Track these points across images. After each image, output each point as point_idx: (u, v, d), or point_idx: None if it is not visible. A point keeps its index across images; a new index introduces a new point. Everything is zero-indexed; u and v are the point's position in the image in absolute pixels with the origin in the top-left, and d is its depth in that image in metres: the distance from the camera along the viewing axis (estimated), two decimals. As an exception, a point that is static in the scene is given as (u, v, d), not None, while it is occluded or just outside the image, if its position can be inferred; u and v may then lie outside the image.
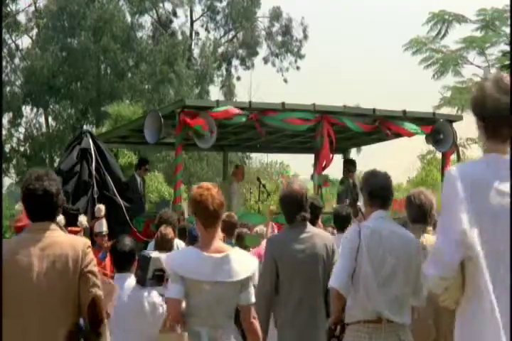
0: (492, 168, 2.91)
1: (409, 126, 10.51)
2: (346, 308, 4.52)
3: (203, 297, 3.99)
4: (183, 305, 4.04)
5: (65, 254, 3.59)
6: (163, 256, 4.95)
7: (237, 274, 4.06)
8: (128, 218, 9.74)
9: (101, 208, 8.43)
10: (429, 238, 4.80)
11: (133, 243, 5.26)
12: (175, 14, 35.02)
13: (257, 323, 4.18)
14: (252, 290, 4.18)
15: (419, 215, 4.94)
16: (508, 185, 2.86)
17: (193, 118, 9.39)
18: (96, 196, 9.69)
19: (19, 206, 7.91)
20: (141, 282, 4.95)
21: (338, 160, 12.71)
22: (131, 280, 5.08)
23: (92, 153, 9.98)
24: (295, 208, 5.23)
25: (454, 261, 2.87)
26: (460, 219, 2.85)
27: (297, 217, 5.25)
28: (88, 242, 3.80)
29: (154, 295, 4.96)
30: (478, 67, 23.90)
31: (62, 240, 3.66)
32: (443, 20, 23.65)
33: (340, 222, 7.37)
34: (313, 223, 6.26)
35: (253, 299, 4.17)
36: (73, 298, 3.60)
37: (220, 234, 4.23)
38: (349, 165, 12.11)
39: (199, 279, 3.99)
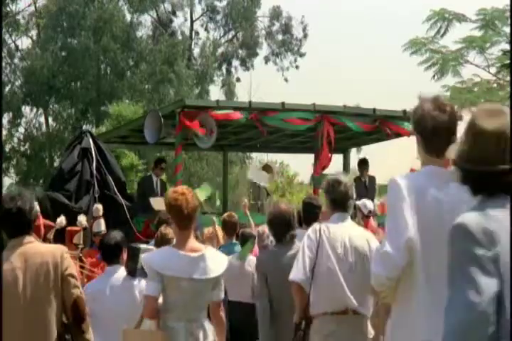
0: (430, 178, 3.24)
1: (410, 126, 10.50)
2: (312, 303, 4.75)
3: (180, 293, 4.27)
4: (160, 301, 4.32)
5: (45, 262, 4.01)
6: (150, 247, 5.33)
7: (211, 272, 4.35)
8: (129, 217, 9.74)
9: (99, 208, 8.43)
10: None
11: (120, 236, 5.38)
12: (175, 14, 35.03)
13: (224, 316, 4.57)
14: (222, 288, 4.49)
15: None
16: (443, 193, 3.19)
17: (192, 119, 9.38)
18: (97, 195, 9.70)
19: None
20: (132, 272, 5.17)
21: (338, 160, 12.70)
22: (121, 272, 5.26)
23: (93, 152, 9.99)
24: (284, 228, 5.50)
25: (401, 264, 3.15)
26: (407, 225, 3.14)
27: (287, 236, 5.51)
28: (65, 249, 4.24)
29: (144, 284, 5.06)
30: (478, 66, 23.88)
31: (41, 250, 4.09)
32: (443, 19, 23.62)
33: None
34: (311, 223, 6.28)
35: (222, 295, 4.51)
36: (58, 300, 4.02)
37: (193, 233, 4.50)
38: (364, 164, 12.18)
39: (176, 275, 4.25)
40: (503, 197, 2.52)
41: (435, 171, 3.26)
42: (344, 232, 4.85)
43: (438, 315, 2.88)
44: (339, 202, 4.96)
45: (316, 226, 4.91)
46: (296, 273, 4.70)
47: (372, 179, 12.20)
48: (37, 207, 6.45)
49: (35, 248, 4.06)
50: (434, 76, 23.79)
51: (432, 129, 3.24)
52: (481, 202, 2.57)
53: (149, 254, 4.50)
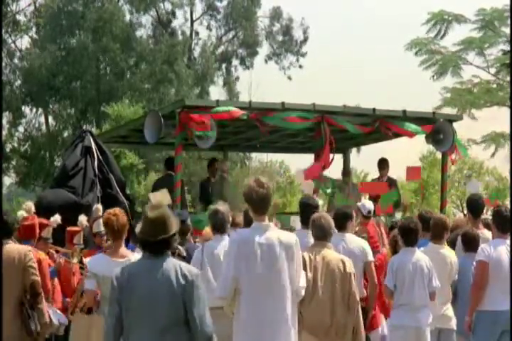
0: (255, 230, 5.20)
1: (409, 126, 10.48)
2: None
3: (108, 288, 5.03)
4: (99, 293, 5.88)
5: (12, 257, 6.19)
6: None
7: None
8: (130, 216, 9.73)
9: (99, 208, 8.39)
10: (329, 252, 6.08)
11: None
12: (175, 14, 35.04)
13: None
14: None
15: (321, 235, 6.15)
16: (263, 238, 5.14)
17: (194, 119, 9.36)
18: (99, 195, 9.68)
19: (26, 206, 7.91)
20: None
21: (338, 160, 12.67)
22: None
23: (94, 151, 9.99)
24: None
25: (228, 288, 5.10)
26: (232, 265, 5.11)
27: None
28: (29, 248, 6.42)
29: None
30: (478, 67, 23.88)
31: (13, 248, 6.27)
32: (442, 21, 23.62)
33: (339, 222, 7.32)
34: (308, 222, 6.31)
35: None
36: (21, 282, 6.20)
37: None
38: (382, 164, 12.09)
39: (106, 275, 5.36)
40: (163, 254, 4.31)
41: (258, 225, 5.22)
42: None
43: (254, 329, 5.09)
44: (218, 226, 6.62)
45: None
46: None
47: (392, 181, 12.06)
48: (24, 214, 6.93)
49: (8, 247, 6.23)
50: (433, 76, 23.80)
51: (256, 199, 5.15)
52: (142, 257, 4.39)
53: (91, 260, 6.06)
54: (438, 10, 23.72)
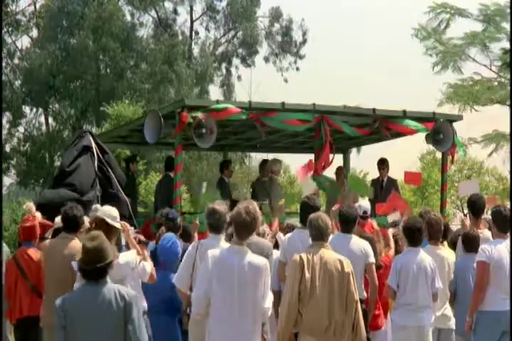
0: (231, 253, 5.62)
1: (410, 123, 10.45)
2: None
3: None
4: None
5: (73, 254, 6.22)
6: None
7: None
8: (132, 215, 9.72)
9: (97, 208, 8.38)
10: (327, 252, 6.08)
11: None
12: (175, 13, 35.05)
13: None
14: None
15: (318, 235, 6.15)
16: (236, 259, 5.55)
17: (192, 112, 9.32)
18: (99, 194, 9.66)
19: (26, 206, 7.90)
20: None
21: (338, 160, 12.67)
22: None
23: (94, 150, 9.97)
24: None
25: (201, 305, 5.58)
26: (205, 282, 5.55)
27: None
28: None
29: None
30: (480, 64, 23.87)
31: (75, 246, 6.60)
32: (445, 13, 23.67)
33: (344, 223, 7.31)
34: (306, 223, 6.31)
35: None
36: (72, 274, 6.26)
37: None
38: (382, 164, 12.06)
39: None
40: (102, 280, 4.71)
41: (235, 248, 5.65)
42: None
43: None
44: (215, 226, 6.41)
45: (194, 244, 6.59)
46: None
47: (392, 181, 12.04)
48: (33, 209, 6.89)
49: (70, 242, 6.83)
50: (433, 67, 23.80)
51: (240, 224, 5.61)
52: (83, 284, 4.79)
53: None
54: (441, 2, 23.78)
